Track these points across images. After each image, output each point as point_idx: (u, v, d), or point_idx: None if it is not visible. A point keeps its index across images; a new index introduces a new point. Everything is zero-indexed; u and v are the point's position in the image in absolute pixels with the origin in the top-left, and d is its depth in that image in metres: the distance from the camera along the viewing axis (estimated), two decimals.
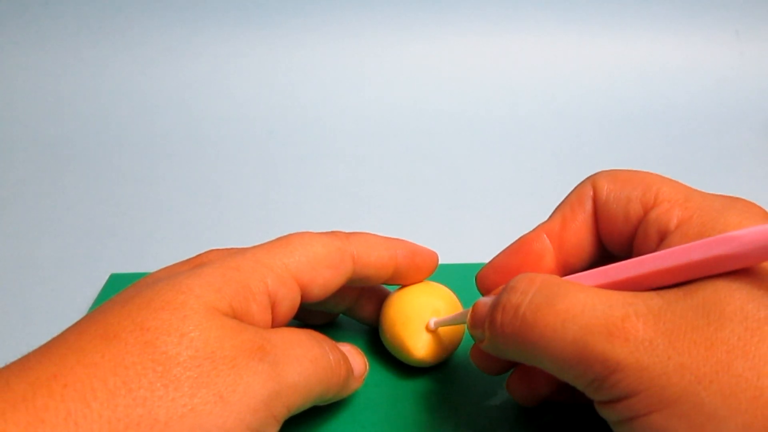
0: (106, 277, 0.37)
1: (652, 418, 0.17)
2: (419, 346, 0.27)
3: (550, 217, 0.24)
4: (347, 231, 0.26)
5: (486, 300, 0.22)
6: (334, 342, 0.24)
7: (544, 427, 0.26)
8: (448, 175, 0.51)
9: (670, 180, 0.22)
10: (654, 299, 0.18)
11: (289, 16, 0.63)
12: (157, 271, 0.24)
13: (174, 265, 0.25)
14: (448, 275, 0.30)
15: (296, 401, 0.21)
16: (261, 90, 0.61)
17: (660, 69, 0.64)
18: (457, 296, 0.29)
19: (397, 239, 0.27)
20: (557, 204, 0.25)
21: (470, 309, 0.23)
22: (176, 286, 0.20)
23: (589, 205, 0.23)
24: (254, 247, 0.24)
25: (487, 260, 0.37)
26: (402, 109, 0.61)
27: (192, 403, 0.18)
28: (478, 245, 0.40)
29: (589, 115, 0.60)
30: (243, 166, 0.53)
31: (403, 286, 0.29)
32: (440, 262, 0.29)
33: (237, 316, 0.21)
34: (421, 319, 0.27)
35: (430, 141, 0.57)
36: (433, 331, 0.27)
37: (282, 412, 0.20)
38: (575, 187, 0.24)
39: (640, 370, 0.17)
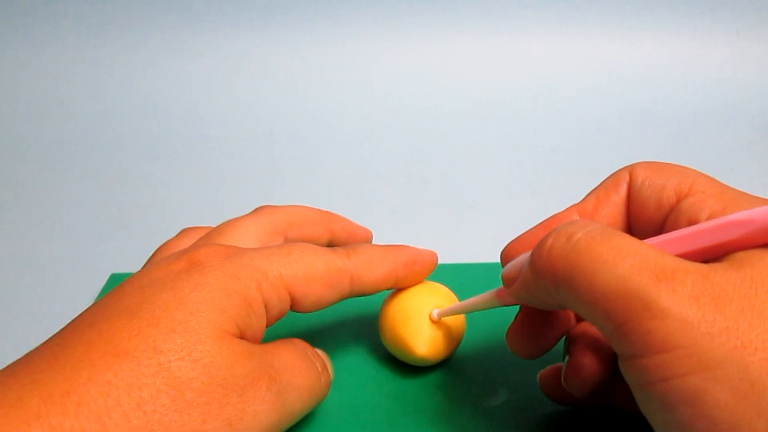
0: (106, 277, 0.37)
1: (689, 380, 0.16)
2: (421, 343, 0.27)
3: (585, 197, 0.25)
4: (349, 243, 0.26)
5: (519, 257, 0.22)
6: (316, 351, 0.24)
7: (544, 427, 0.26)
8: (447, 174, 0.51)
9: (706, 175, 0.23)
10: (703, 265, 0.18)
11: (290, 16, 0.63)
12: (150, 268, 0.22)
13: (166, 259, 0.23)
14: (448, 275, 0.30)
15: (290, 425, 0.22)
16: (261, 89, 0.61)
17: (660, 69, 0.64)
18: (456, 295, 0.29)
19: (396, 247, 0.27)
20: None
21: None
22: (182, 304, 0.20)
23: (623, 190, 0.24)
24: (254, 250, 0.23)
25: (486, 260, 0.37)
26: (402, 108, 0.61)
27: (203, 428, 0.19)
28: (478, 245, 0.40)
29: (589, 114, 0.60)
30: (243, 166, 0.53)
31: None
32: (440, 262, 0.29)
33: (241, 333, 0.21)
34: (422, 318, 0.27)
35: (430, 141, 0.57)
36: (436, 322, 0.27)
37: None
38: (613, 173, 0.24)
39: (683, 322, 0.16)
